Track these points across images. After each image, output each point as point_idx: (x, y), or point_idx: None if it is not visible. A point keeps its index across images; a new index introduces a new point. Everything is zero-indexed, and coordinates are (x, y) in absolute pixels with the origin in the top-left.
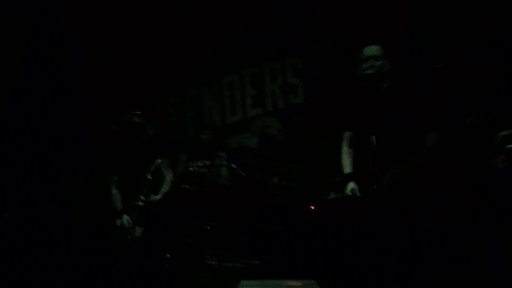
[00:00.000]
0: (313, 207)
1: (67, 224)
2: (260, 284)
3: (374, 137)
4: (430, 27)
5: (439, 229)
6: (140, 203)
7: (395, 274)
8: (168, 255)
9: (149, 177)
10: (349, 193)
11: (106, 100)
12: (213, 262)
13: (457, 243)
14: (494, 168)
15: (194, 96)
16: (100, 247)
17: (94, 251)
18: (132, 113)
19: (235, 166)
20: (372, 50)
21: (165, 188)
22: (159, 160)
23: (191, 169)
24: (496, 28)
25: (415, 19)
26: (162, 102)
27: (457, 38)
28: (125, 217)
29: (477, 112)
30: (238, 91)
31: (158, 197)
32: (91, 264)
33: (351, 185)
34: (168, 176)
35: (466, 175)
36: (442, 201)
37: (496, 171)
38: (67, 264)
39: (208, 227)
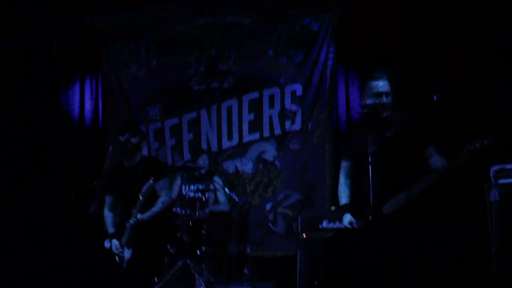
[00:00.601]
0: (305, 235)
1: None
2: None
3: (373, 166)
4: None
5: (442, 259)
6: (130, 223)
7: None
8: (156, 279)
9: (141, 197)
10: (348, 225)
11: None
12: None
13: (458, 274)
14: (491, 199)
15: (191, 119)
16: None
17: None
18: (129, 134)
19: (228, 192)
20: (385, 87)
21: (155, 208)
22: (151, 181)
23: (185, 193)
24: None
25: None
26: (160, 124)
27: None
28: (114, 242)
29: (477, 140)
30: (236, 116)
31: (145, 216)
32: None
33: (348, 217)
34: (161, 198)
35: (467, 203)
36: (444, 229)
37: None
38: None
39: (199, 252)
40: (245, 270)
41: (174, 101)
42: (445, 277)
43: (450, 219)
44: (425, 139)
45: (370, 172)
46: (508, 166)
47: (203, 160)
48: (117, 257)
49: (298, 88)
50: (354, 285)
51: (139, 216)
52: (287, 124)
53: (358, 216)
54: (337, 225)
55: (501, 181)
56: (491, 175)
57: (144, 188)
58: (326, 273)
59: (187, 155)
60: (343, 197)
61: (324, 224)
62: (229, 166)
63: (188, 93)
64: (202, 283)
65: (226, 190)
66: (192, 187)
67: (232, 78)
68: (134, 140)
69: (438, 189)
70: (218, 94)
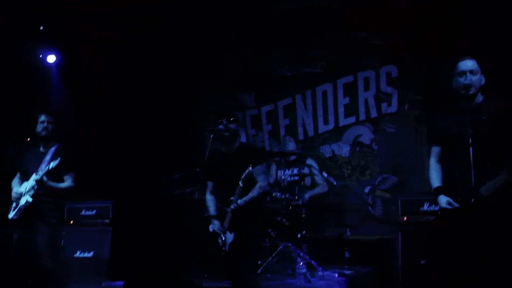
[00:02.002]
0: (406, 218)
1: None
2: None
3: (470, 150)
4: None
5: None
6: (231, 208)
7: None
8: (259, 262)
9: (241, 183)
10: (447, 206)
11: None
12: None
13: None
14: None
15: (286, 105)
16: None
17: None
18: (227, 121)
19: (326, 175)
20: (468, 64)
21: (253, 194)
22: (250, 168)
23: (283, 178)
24: None
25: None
26: (256, 111)
27: None
28: (216, 224)
29: None
30: (331, 100)
31: (244, 201)
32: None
33: (444, 198)
34: (259, 183)
35: None
36: None
37: None
38: None
39: (299, 235)
40: (346, 254)
41: (269, 87)
42: None
43: None
44: None
45: (471, 154)
46: None
47: (298, 145)
48: (220, 240)
49: (394, 70)
50: (459, 264)
51: (239, 201)
52: (383, 106)
53: (454, 198)
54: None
55: None
56: None
57: (244, 174)
58: (431, 253)
59: (283, 140)
60: (436, 181)
61: (425, 207)
62: (326, 150)
63: (282, 79)
64: (303, 266)
65: (324, 174)
66: (288, 171)
67: (325, 62)
68: (231, 126)
69: None
70: (311, 79)
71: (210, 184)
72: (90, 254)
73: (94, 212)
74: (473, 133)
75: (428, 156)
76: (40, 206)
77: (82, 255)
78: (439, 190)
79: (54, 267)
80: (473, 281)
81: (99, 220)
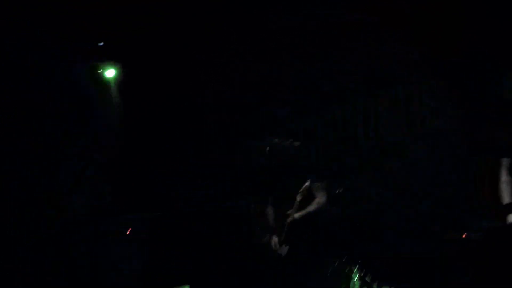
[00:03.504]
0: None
1: None
2: None
3: None
4: None
5: None
6: (288, 222)
7: None
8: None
9: (298, 198)
10: None
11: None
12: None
13: None
14: None
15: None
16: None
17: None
18: (285, 138)
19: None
20: None
21: (311, 208)
22: (308, 183)
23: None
24: None
25: None
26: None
27: None
28: (274, 239)
29: None
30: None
31: (300, 216)
32: None
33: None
34: (317, 199)
35: None
36: None
37: None
38: None
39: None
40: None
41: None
42: None
43: None
44: None
45: None
46: None
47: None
48: (273, 253)
49: (436, 84)
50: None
51: (296, 215)
52: (427, 121)
53: None
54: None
55: None
56: None
57: (302, 189)
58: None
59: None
60: (507, 197)
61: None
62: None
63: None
64: (358, 282)
65: (371, 187)
66: (338, 184)
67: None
68: (290, 142)
69: None
70: (352, 93)
71: (270, 198)
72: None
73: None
74: None
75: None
76: None
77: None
78: (509, 207)
79: None
80: None
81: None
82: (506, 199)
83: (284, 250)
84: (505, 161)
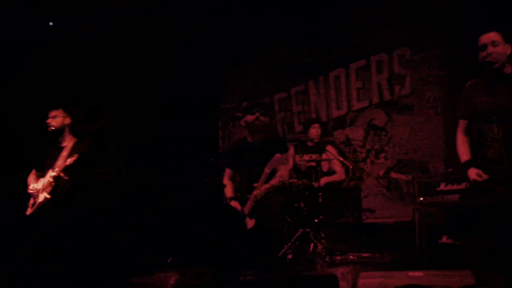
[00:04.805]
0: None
1: None
2: (382, 275)
3: (493, 124)
4: None
5: None
6: (254, 195)
7: None
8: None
9: (266, 170)
10: (476, 178)
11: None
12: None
13: None
14: None
15: (299, 91)
16: None
17: None
18: (260, 113)
19: (343, 159)
20: (491, 37)
21: (274, 181)
22: (277, 156)
23: (300, 163)
24: None
25: None
26: (269, 99)
27: None
28: (234, 203)
29: None
30: (344, 85)
31: (266, 188)
32: None
33: (474, 171)
34: (279, 171)
35: None
36: None
37: None
38: None
39: (316, 220)
40: (363, 237)
41: (281, 75)
42: None
43: None
44: None
45: (491, 129)
46: None
47: (315, 131)
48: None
49: (406, 52)
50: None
51: (261, 188)
52: (397, 89)
53: (484, 171)
54: (455, 186)
55: None
56: None
57: (270, 162)
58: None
59: (298, 127)
60: (464, 154)
61: (442, 186)
62: (340, 134)
63: (294, 67)
64: (322, 251)
65: (339, 158)
66: (306, 157)
67: (337, 47)
68: (264, 118)
69: None
70: (324, 65)
71: (229, 171)
72: None
73: None
74: (498, 106)
75: (457, 129)
76: None
77: None
78: (469, 163)
79: None
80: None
81: None
82: (464, 157)
83: (250, 222)
84: (461, 123)
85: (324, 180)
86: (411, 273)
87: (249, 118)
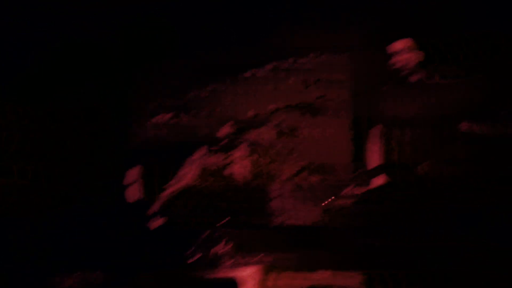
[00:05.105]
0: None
1: None
2: (287, 275)
3: (404, 130)
4: None
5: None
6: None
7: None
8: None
9: (179, 169)
10: (383, 183)
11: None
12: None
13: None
14: None
15: (215, 90)
16: None
17: None
18: (164, 112)
19: (251, 160)
20: (401, 43)
21: (188, 179)
22: (192, 157)
23: (211, 162)
24: None
25: None
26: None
27: None
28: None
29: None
30: (259, 85)
31: (176, 187)
32: None
33: (383, 176)
34: (193, 169)
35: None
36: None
37: None
38: None
39: (225, 220)
40: (272, 238)
41: (199, 74)
42: None
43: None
44: (455, 111)
45: (402, 135)
46: None
47: (228, 129)
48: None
49: (318, 54)
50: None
51: (174, 185)
52: (311, 90)
53: (391, 175)
54: (362, 189)
55: None
56: None
57: (186, 161)
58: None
59: (212, 126)
60: (375, 159)
61: (349, 189)
62: (253, 134)
63: (211, 65)
64: (230, 251)
65: (249, 158)
66: (217, 156)
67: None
68: (168, 115)
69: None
70: (240, 64)
71: (139, 169)
72: None
73: None
74: (408, 111)
75: (366, 135)
76: None
77: None
78: (378, 168)
79: None
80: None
81: None
82: (371, 161)
83: (161, 220)
84: (372, 128)
85: (234, 180)
86: (317, 274)
87: (165, 117)
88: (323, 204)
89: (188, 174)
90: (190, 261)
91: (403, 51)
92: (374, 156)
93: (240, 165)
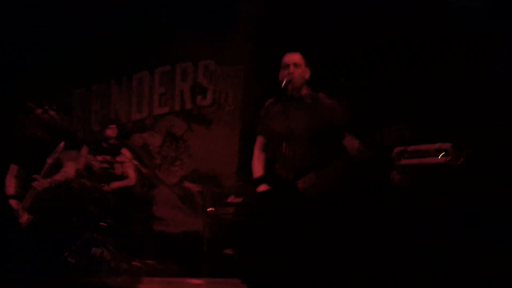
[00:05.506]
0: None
1: None
2: (161, 282)
3: (287, 144)
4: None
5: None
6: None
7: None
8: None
9: (48, 161)
10: (262, 193)
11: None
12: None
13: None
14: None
15: (101, 90)
16: None
17: None
18: (48, 107)
19: (136, 164)
20: (292, 57)
21: (58, 177)
22: (61, 145)
23: (92, 164)
24: None
25: None
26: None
27: None
28: (12, 202)
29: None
30: (147, 89)
31: (48, 182)
32: None
33: (262, 188)
34: (65, 167)
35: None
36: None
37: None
38: None
39: (106, 225)
40: (150, 245)
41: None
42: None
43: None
44: (341, 124)
45: (285, 148)
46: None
47: (111, 131)
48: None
49: (211, 63)
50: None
51: (41, 179)
52: (198, 99)
53: (273, 187)
54: (243, 199)
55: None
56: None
57: (53, 152)
58: (239, 243)
59: (95, 126)
60: (258, 170)
61: (231, 199)
62: (138, 138)
63: (98, 63)
64: (108, 256)
65: (134, 162)
66: (99, 158)
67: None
68: (52, 112)
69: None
70: (128, 66)
71: (14, 167)
72: None
73: None
74: (292, 126)
75: (254, 145)
76: None
77: None
78: (261, 179)
79: None
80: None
81: None
82: (254, 173)
83: (28, 218)
84: (259, 139)
85: (115, 185)
86: (190, 280)
87: (39, 112)
88: (206, 212)
89: (61, 170)
90: (71, 261)
91: (294, 66)
92: (257, 167)
93: (122, 169)
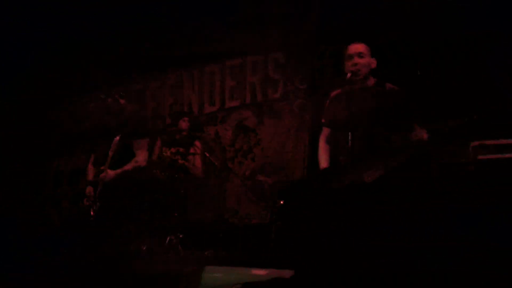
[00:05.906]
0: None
1: None
2: (225, 270)
3: (352, 135)
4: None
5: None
6: (101, 178)
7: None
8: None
9: (109, 153)
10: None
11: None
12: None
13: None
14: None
15: (174, 82)
16: None
17: None
18: (118, 94)
19: (209, 156)
20: (358, 48)
21: (128, 167)
22: (117, 138)
23: (164, 155)
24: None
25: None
26: (142, 87)
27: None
28: (89, 188)
29: (460, 117)
30: (218, 81)
31: (115, 173)
32: None
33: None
34: (136, 157)
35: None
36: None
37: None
38: None
39: (176, 214)
40: (221, 235)
41: (157, 64)
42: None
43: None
44: (410, 114)
45: (350, 140)
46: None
47: (184, 124)
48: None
49: (281, 56)
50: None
51: (108, 171)
52: (269, 92)
53: (338, 179)
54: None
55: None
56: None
57: (112, 145)
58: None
59: (168, 118)
60: (323, 162)
61: (301, 190)
62: (210, 131)
63: (170, 58)
64: (178, 245)
65: (206, 154)
66: (173, 150)
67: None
68: (121, 101)
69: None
70: (200, 59)
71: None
72: None
73: None
74: (358, 117)
75: (319, 137)
76: None
77: None
78: (326, 171)
79: None
80: None
81: None
82: (322, 164)
83: (98, 205)
84: (324, 130)
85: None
86: (254, 271)
87: (110, 101)
88: (276, 204)
89: (136, 164)
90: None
91: (358, 56)
92: (323, 158)
93: (192, 161)
